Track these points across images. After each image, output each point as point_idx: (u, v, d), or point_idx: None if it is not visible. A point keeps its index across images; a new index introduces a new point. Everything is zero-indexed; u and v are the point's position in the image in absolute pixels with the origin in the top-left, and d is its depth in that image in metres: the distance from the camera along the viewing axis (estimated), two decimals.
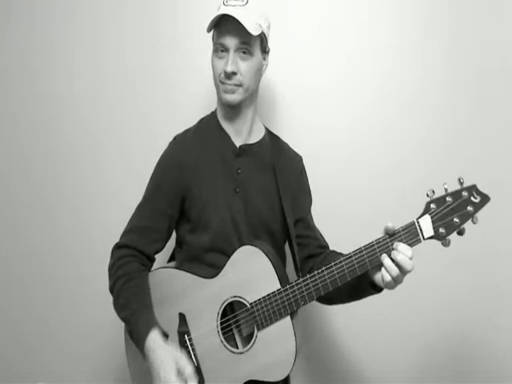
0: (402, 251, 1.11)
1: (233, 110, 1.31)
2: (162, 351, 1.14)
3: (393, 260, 1.11)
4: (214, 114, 1.38)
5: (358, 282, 1.20)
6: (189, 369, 1.12)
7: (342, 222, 1.69)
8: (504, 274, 1.67)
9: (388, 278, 1.12)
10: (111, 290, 1.28)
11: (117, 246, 1.32)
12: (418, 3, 1.68)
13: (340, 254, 1.29)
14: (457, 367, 1.69)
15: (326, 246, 1.40)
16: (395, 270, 1.11)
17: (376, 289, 1.20)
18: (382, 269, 1.13)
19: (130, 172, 1.77)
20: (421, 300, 1.69)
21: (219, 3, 1.27)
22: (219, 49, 1.26)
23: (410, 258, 1.11)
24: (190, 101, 1.75)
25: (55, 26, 1.80)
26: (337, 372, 1.74)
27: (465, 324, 1.69)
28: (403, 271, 1.11)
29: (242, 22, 1.20)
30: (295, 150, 1.46)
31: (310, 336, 1.73)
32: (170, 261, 1.48)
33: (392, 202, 1.68)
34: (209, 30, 1.29)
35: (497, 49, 1.66)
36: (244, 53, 1.25)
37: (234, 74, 1.25)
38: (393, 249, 1.13)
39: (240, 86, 1.26)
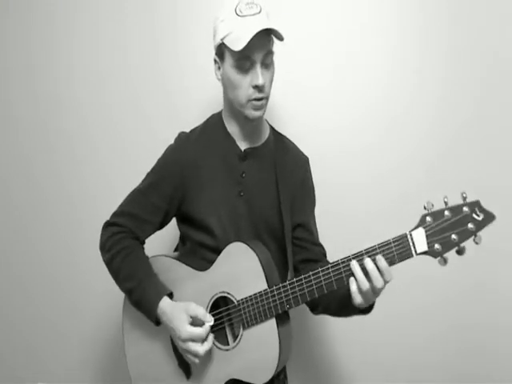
0: (379, 265, 1.06)
1: (251, 123, 1.28)
2: (173, 309, 1.19)
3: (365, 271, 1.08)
4: (219, 116, 1.35)
5: (344, 296, 1.17)
6: (200, 311, 1.18)
7: (343, 221, 1.69)
8: (503, 273, 1.66)
9: (354, 287, 1.09)
10: (108, 264, 1.29)
11: (108, 224, 1.32)
12: (417, 3, 1.66)
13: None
14: (455, 367, 1.68)
15: (325, 254, 1.38)
16: (363, 282, 1.07)
17: (360, 310, 1.17)
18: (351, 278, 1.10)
19: (131, 172, 1.71)
20: (419, 300, 1.68)
21: (230, 13, 1.19)
22: (245, 64, 1.19)
23: (385, 281, 1.07)
24: (190, 101, 1.74)
25: (55, 26, 1.81)
26: (335, 373, 1.74)
27: (463, 324, 1.68)
28: (373, 287, 1.07)
29: (279, 31, 1.17)
30: None
31: (308, 337, 1.74)
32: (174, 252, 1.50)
33: (393, 202, 1.67)
34: (240, 48, 1.15)
35: (497, 49, 1.64)
36: (267, 63, 1.21)
37: (263, 87, 1.21)
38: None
39: (267, 98, 1.23)
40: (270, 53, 1.21)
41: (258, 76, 1.18)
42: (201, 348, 1.17)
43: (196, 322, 1.18)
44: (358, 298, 1.10)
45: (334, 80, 1.70)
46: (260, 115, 1.24)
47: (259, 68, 1.19)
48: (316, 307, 1.31)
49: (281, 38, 1.21)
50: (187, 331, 1.16)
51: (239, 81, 1.20)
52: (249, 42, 1.15)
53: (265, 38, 1.18)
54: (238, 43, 1.15)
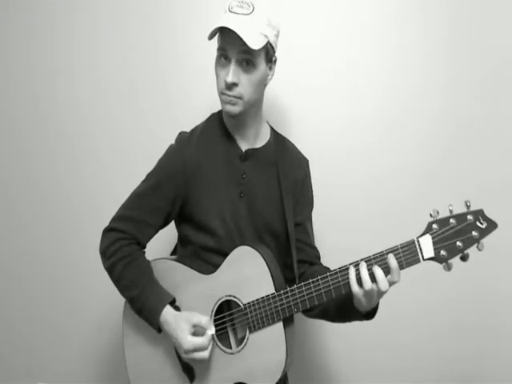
0: (390, 264, 1.09)
1: (236, 119, 1.29)
2: (175, 319, 1.19)
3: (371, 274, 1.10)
4: (220, 115, 1.36)
5: (347, 300, 1.19)
6: (204, 320, 1.19)
7: (343, 222, 1.70)
8: (504, 274, 1.67)
9: (355, 288, 1.11)
10: (109, 271, 1.28)
11: (109, 229, 1.30)
12: (418, 3, 1.67)
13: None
14: (456, 368, 1.70)
15: (319, 257, 1.40)
16: (368, 284, 1.09)
17: (364, 314, 1.19)
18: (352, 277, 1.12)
19: (130, 173, 1.71)
20: (420, 300, 1.69)
21: (225, 7, 1.21)
22: (222, 56, 1.22)
23: (392, 282, 1.10)
24: (190, 101, 1.73)
25: (55, 27, 1.78)
26: (335, 372, 1.75)
27: (464, 324, 1.69)
28: (378, 290, 1.10)
29: (242, 36, 1.15)
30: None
31: (309, 337, 1.74)
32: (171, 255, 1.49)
33: (393, 202, 1.69)
34: (209, 39, 1.24)
35: (497, 49, 1.65)
36: (247, 64, 1.21)
37: (235, 85, 1.21)
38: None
39: (240, 98, 1.23)
40: (247, 53, 1.19)
41: (228, 72, 1.20)
42: (206, 353, 1.18)
43: (198, 330, 1.19)
44: (361, 301, 1.12)
45: (333, 80, 1.70)
46: (233, 111, 1.24)
47: (232, 65, 1.20)
48: (311, 310, 1.29)
49: (249, 47, 1.18)
50: (190, 342, 1.17)
51: (217, 72, 1.24)
52: (226, 38, 1.18)
53: (238, 39, 1.16)
54: (210, 33, 1.20)
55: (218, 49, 1.23)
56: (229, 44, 1.19)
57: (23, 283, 1.83)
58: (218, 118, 1.35)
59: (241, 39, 1.15)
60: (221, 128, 1.33)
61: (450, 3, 1.66)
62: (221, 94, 1.24)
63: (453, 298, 1.69)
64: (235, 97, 1.21)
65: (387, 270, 1.10)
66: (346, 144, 1.71)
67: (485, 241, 1.07)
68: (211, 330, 1.19)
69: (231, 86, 1.20)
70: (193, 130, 1.35)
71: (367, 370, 1.72)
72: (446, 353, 1.70)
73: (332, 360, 1.75)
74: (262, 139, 1.35)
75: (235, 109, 1.23)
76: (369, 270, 1.11)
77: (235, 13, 1.18)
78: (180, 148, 1.31)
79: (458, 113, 1.67)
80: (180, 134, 1.35)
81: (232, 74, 1.19)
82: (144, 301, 1.22)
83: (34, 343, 1.83)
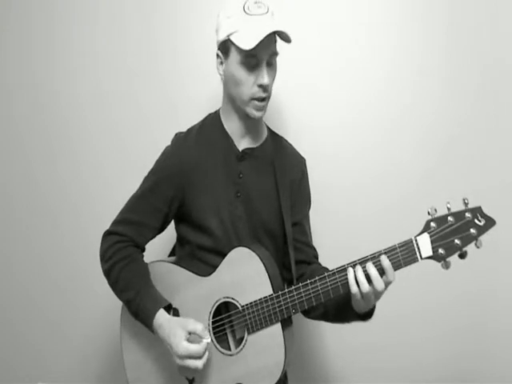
0: (383, 264, 1.08)
1: (251, 121, 1.30)
2: (169, 324, 1.17)
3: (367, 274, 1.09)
4: (217, 115, 1.35)
5: (345, 301, 1.19)
6: (199, 327, 1.16)
7: (342, 222, 1.70)
8: (503, 274, 1.67)
9: (354, 289, 1.10)
10: (107, 274, 1.28)
11: (108, 233, 1.31)
12: (417, 4, 1.68)
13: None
14: (455, 368, 1.70)
15: (317, 257, 1.40)
16: (365, 285, 1.08)
17: (360, 316, 1.19)
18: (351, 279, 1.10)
19: (130, 173, 1.72)
20: (419, 301, 1.69)
21: (235, 10, 1.19)
22: (251, 62, 1.20)
23: (387, 282, 1.09)
24: (190, 101, 1.74)
25: (55, 27, 1.79)
26: (335, 372, 1.75)
27: (463, 324, 1.69)
28: (375, 290, 1.09)
29: (287, 33, 1.18)
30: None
31: (308, 337, 1.75)
32: (170, 256, 1.50)
33: (393, 202, 1.69)
34: (250, 49, 1.16)
35: (497, 50, 1.66)
36: (272, 64, 1.23)
37: (267, 86, 1.22)
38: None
39: (268, 98, 1.25)
40: (274, 54, 1.23)
41: (264, 75, 1.20)
42: (200, 362, 1.14)
43: (194, 338, 1.16)
44: (359, 302, 1.12)
45: (332, 80, 1.70)
46: (261, 116, 1.26)
47: (265, 67, 1.20)
48: (310, 311, 1.29)
49: (288, 41, 1.22)
50: (184, 347, 1.13)
51: (244, 78, 1.21)
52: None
53: (272, 39, 1.19)
54: (247, 42, 1.17)
55: (246, 55, 1.19)
56: (262, 46, 1.17)
57: (23, 283, 1.83)
58: (214, 118, 1.35)
59: (270, 39, 1.17)
60: (217, 128, 1.33)
61: (450, 4, 1.66)
62: (251, 99, 1.23)
63: (452, 297, 1.69)
64: (265, 100, 1.23)
65: (383, 270, 1.09)
66: (345, 144, 1.71)
67: (483, 238, 1.06)
68: (207, 339, 1.15)
69: (266, 88, 1.21)
70: (189, 130, 1.35)
71: (367, 370, 1.72)
72: (446, 353, 1.70)
73: (332, 360, 1.75)
74: (259, 139, 1.35)
75: (263, 112, 1.26)
76: (364, 271, 1.10)
77: (259, 14, 1.18)
78: (176, 148, 1.31)
79: (458, 113, 1.68)
80: (176, 134, 1.35)
81: (267, 75, 1.20)
82: (139, 302, 1.21)
83: (34, 343, 1.83)
